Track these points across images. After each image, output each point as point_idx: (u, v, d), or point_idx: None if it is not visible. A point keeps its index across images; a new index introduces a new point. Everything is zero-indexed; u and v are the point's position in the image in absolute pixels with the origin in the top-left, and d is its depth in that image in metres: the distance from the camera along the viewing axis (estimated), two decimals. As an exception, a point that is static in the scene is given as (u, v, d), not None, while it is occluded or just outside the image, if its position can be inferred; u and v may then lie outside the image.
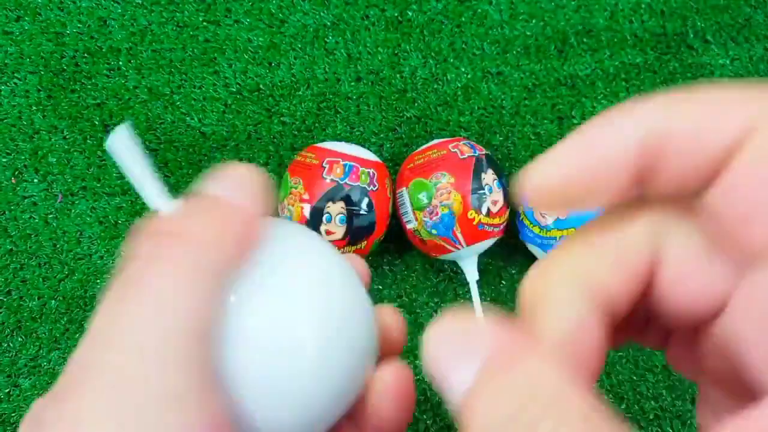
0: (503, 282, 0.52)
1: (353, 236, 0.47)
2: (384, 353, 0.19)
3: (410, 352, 0.51)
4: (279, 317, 0.15)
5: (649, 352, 0.50)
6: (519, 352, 0.11)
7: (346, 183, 0.46)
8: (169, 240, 0.14)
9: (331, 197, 0.46)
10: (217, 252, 0.14)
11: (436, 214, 0.46)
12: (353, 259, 0.20)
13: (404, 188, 0.49)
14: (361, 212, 0.46)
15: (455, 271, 0.52)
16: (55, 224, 0.54)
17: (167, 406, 0.12)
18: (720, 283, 0.12)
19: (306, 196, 0.46)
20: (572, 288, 0.13)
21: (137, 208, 0.54)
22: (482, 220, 0.46)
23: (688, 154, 0.12)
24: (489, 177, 0.47)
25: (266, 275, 0.16)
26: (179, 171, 0.55)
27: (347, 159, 0.47)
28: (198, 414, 0.13)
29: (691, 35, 0.56)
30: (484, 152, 0.49)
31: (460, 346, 0.12)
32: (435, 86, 0.56)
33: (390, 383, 0.18)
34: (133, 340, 0.13)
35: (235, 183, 0.15)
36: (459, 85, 0.56)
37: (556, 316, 0.13)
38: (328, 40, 0.57)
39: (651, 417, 0.49)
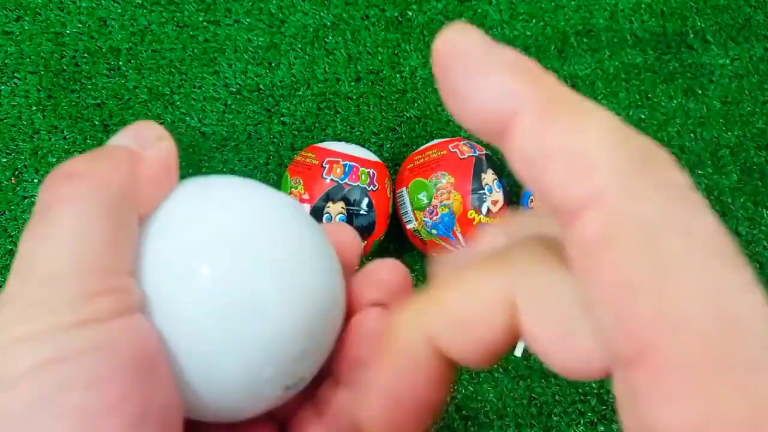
0: (503, 282, 0.52)
1: (353, 236, 0.47)
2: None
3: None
4: (188, 247, 0.15)
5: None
6: None
7: (346, 183, 0.46)
8: (71, 180, 0.15)
9: (331, 197, 0.46)
10: (118, 189, 0.15)
11: (436, 214, 0.46)
12: (341, 227, 0.19)
13: (404, 188, 0.49)
14: (361, 212, 0.46)
15: (455, 271, 0.53)
16: (55, 224, 0.54)
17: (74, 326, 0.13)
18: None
19: (306, 196, 0.46)
20: (414, 334, 0.13)
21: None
22: (482, 220, 0.46)
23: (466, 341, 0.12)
24: (489, 177, 0.47)
25: (184, 214, 0.16)
26: (179, 171, 0.55)
27: (347, 159, 0.48)
28: (100, 336, 0.13)
29: (691, 35, 0.56)
30: (484, 152, 0.49)
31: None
32: (435, 86, 0.56)
33: (364, 322, 0.18)
34: (38, 271, 0.13)
35: (139, 135, 0.17)
36: (459, 85, 0.56)
37: (396, 354, 0.13)
38: (328, 40, 0.57)
39: (651, 417, 0.49)
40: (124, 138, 0.16)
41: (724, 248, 0.10)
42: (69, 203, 0.14)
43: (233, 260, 0.15)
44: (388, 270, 0.18)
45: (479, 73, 0.12)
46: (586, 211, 0.10)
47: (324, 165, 0.47)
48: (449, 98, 0.12)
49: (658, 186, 0.10)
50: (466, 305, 0.12)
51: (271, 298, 0.15)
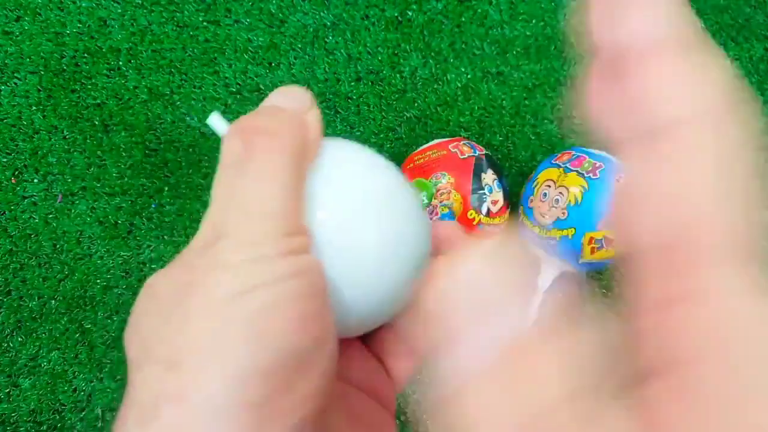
0: (503, 282, 0.52)
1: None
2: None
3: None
4: (346, 209, 0.19)
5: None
6: None
7: (346, 183, 0.46)
8: (266, 136, 0.17)
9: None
10: (300, 146, 0.17)
11: (436, 214, 0.46)
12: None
13: (404, 188, 0.49)
14: (361, 212, 0.46)
15: (455, 271, 0.53)
16: (55, 224, 0.54)
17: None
18: None
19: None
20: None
21: (137, 208, 0.54)
22: (482, 220, 0.46)
23: None
24: (489, 177, 0.47)
25: (335, 173, 0.19)
26: (179, 171, 0.55)
27: (347, 159, 0.48)
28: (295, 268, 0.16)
29: (691, 35, 0.56)
30: (484, 152, 0.49)
31: None
32: (435, 86, 0.56)
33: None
34: (252, 209, 0.16)
35: (298, 98, 0.19)
36: (459, 85, 0.56)
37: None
38: (328, 40, 0.57)
39: (651, 417, 0.49)
40: (287, 99, 0.19)
41: None
42: (269, 155, 0.17)
43: (380, 210, 0.19)
44: (447, 226, 0.21)
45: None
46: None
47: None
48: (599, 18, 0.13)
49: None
50: None
51: (404, 239, 0.19)
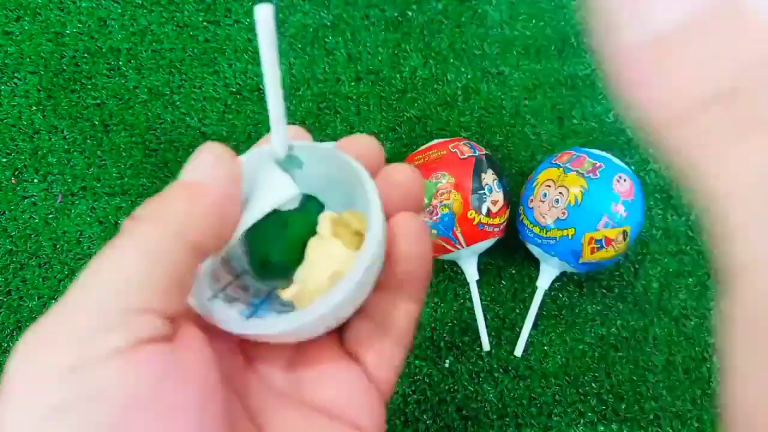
0: (503, 282, 0.52)
1: (353, 236, 0.47)
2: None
3: (410, 351, 0.51)
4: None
5: (649, 351, 0.50)
6: None
7: (346, 183, 0.46)
8: (132, 222, 0.16)
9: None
10: (183, 225, 0.16)
11: (436, 214, 0.46)
12: (358, 139, 0.22)
13: (404, 188, 0.49)
14: (361, 212, 0.46)
15: (455, 271, 0.53)
16: (55, 224, 0.54)
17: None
18: None
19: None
20: None
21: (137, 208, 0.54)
22: (482, 220, 0.46)
23: None
24: (489, 177, 0.47)
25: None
26: (179, 171, 0.55)
27: (347, 159, 0.47)
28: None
29: (691, 35, 0.56)
30: (484, 152, 0.49)
31: None
32: (435, 86, 0.56)
33: (402, 224, 0.20)
34: (88, 299, 0.15)
35: (197, 166, 0.18)
36: (459, 85, 0.56)
37: None
38: (328, 40, 0.57)
39: (651, 417, 0.49)
40: (187, 171, 0.18)
41: None
42: (114, 249, 0.16)
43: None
44: (404, 174, 0.21)
45: None
46: None
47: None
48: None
49: None
50: None
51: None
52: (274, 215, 0.20)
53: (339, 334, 0.21)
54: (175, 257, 0.16)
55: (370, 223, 0.19)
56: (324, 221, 0.20)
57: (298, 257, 0.20)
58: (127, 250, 0.16)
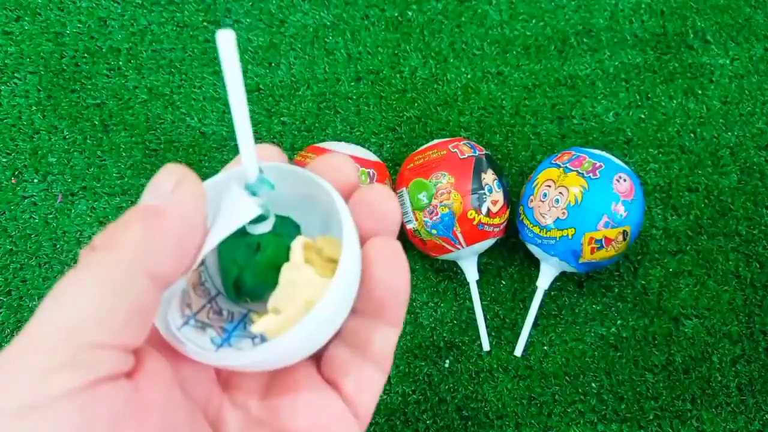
0: (503, 282, 0.52)
1: (353, 236, 0.47)
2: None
3: (410, 351, 0.51)
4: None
5: (649, 351, 0.50)
6: None
7: (346, 183, 0.46)
8: (95, 251, 0.16)
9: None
10: (140, 254, 0.16)
11: (436, 214, 0.46)
12: (333, 159, 0.21)
13: (404, 188, 0.49)
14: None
15: (455, 271, 0.53)
16: (55, 224, 0.54)
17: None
18: None
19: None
20: None
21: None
22: (482, 220, 0.46)
23: None
24: (489, 177, 0.47)
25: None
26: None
27: (347, 159, 0.47)
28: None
29: (691, 35, 0.56)
30: (484, 152, 0.49)
31: None
32: (435, 86, 0.56)
33: (377, 249, 0.19)
34: (42, 336, 0.14)
35: (156, 188, 0.17)
36: (459, 85, 0.56)
37: None
38: (328, 40, 0.57)
39: (651, 417, 0.49)
40: (146, 194, 0.17)
41: None
42: (71, 281, 0.15)
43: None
44: (380, 200, 0.20)
45: None
46: None
47: (324, 165, 0.47)
48: None
49: None
50: None
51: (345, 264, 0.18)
52: (247, 238, 0.20)
53: (316, 359, 0.21)
54: (134, 288, 0.15)
55: (343, 250, 0.18)
56: (296, 248, 0.20)
57: (273, 281, 0.20)
58: (83, 283, 0.15)
